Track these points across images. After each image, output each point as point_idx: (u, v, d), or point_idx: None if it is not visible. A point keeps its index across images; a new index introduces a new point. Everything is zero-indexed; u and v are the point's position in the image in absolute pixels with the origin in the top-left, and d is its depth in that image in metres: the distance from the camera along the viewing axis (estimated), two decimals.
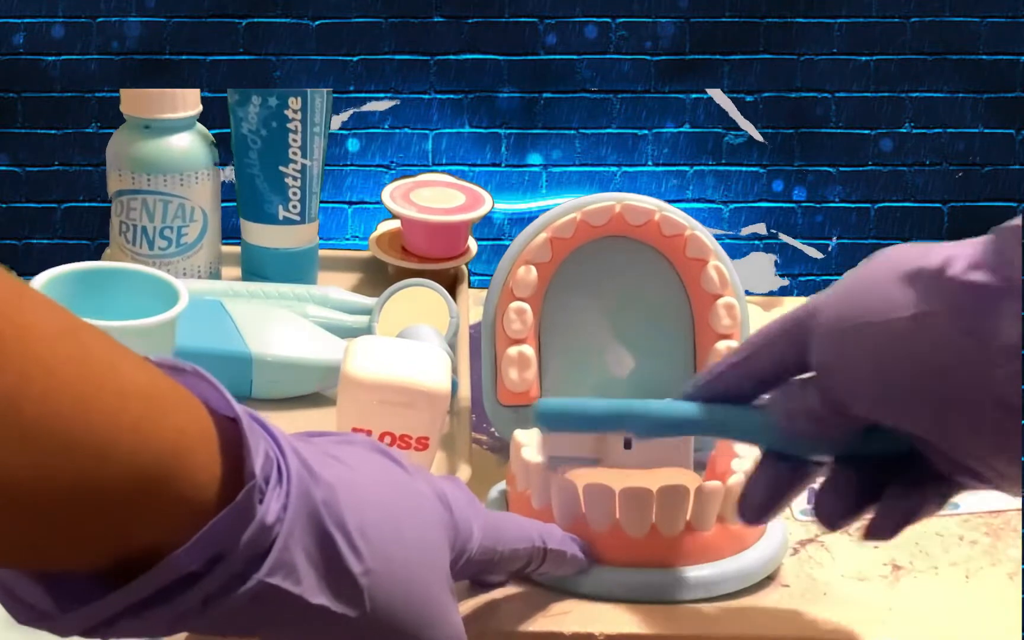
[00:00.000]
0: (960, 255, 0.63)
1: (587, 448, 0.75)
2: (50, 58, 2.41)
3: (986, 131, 2.50)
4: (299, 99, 1.06)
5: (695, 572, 0.77)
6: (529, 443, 0.80)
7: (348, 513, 0.58)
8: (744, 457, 0.78)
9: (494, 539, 0.68)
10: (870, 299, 0.65)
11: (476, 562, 0.67)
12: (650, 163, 2.51)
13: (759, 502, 0.72)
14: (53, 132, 2.44)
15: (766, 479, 0.71)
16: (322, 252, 1.12)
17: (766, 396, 0.71)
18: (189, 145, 1.06)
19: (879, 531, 0.70)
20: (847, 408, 0.66)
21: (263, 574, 0.55)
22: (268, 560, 0.55)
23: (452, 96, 2.47)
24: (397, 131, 2.48)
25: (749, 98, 2.50)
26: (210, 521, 0.53)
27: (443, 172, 1.20)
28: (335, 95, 2.29)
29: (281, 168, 1.07)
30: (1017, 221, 0.61)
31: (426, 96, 2.46)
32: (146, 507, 0.52)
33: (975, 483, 0.67)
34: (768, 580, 0.79)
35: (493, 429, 0.91)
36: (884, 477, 0.69)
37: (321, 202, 1.10)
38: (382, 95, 2.46)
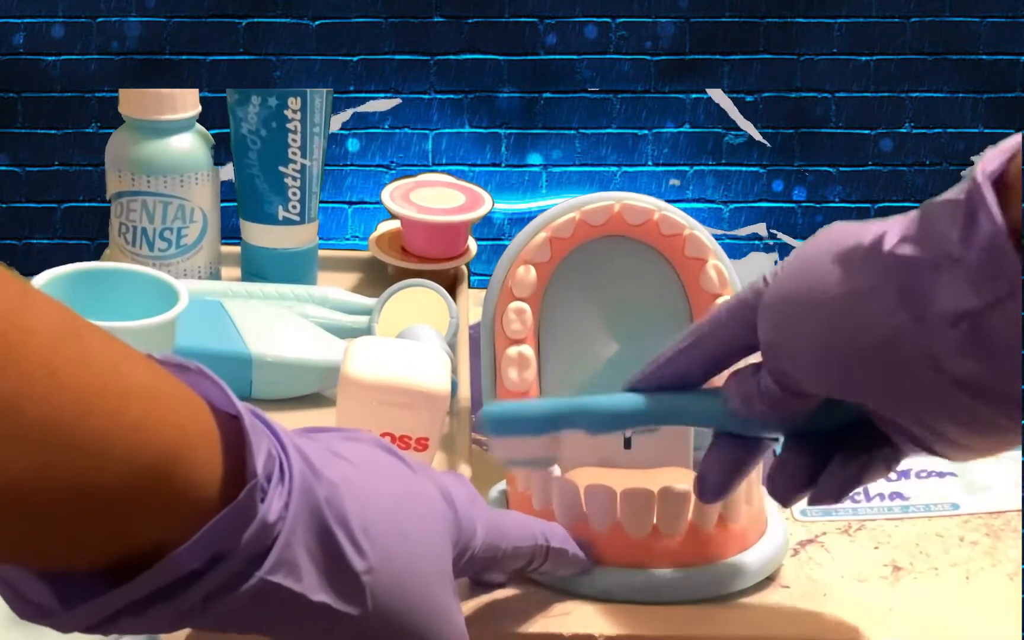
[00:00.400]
0: (891, 230, 0.63)
1: (541, 449, 0.75)
2: (50, 58, 2.41)
3: (986, 131, 2.50)
4: (299, 99, 1.06)
5: (695, 573, 0.77)
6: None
7: (351, 511, 0.58)
8: None
9: (497, 536, 0.68)
10: (807, 278, 0.66)
11: (479, 560, 0.67)
12: (650, 163, 2.51)
13: (716, 482, 0.73)
14: (53, 132, 2.44)
15: (722, 459, 0.73)
16: (322, 252, 1.12)
17: (717, 379, 0.73)
18: (188, 146, 1.06)
19: (823, 496, 0.71)
20: (796, 386, 0.67)
21: (264, 572, 0.55)
22: (269, 558, 0.55)
23: (452, 96, 2.47)
24: (397, 131, 2.47)
25: (749, 98, 2.50)
26: (212, 520, 0.53)
27: (443, 172, 1.20)
28: (335, 95, 2.29)
29: (281, 168, 1.07)
30: (945, 195, 0.62)
31: (426, 96, 2.46)
32: (148, 506, 0.52)
33: (924, 451, 0.68)
34: (768, 580, 0.79)
35: (490, 448, 0.91)
36: (834, 447, 0.70)
37: (321, 202, 1.10)
38: (382, 95, 2.46)
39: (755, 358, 0.71)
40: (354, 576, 0.58)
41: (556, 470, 0.79)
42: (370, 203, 2.47)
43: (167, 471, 0.52)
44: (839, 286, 0.64)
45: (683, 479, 0.78)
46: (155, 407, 0.52)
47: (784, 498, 0.72)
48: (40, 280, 0.88)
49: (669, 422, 0.75)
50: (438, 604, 0.62)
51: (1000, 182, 0.60)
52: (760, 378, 0.69)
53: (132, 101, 1.06)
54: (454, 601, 0.63)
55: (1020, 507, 0.86)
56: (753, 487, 0.79)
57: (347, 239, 2.47)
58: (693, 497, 0.76)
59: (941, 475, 0.89)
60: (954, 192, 0.61)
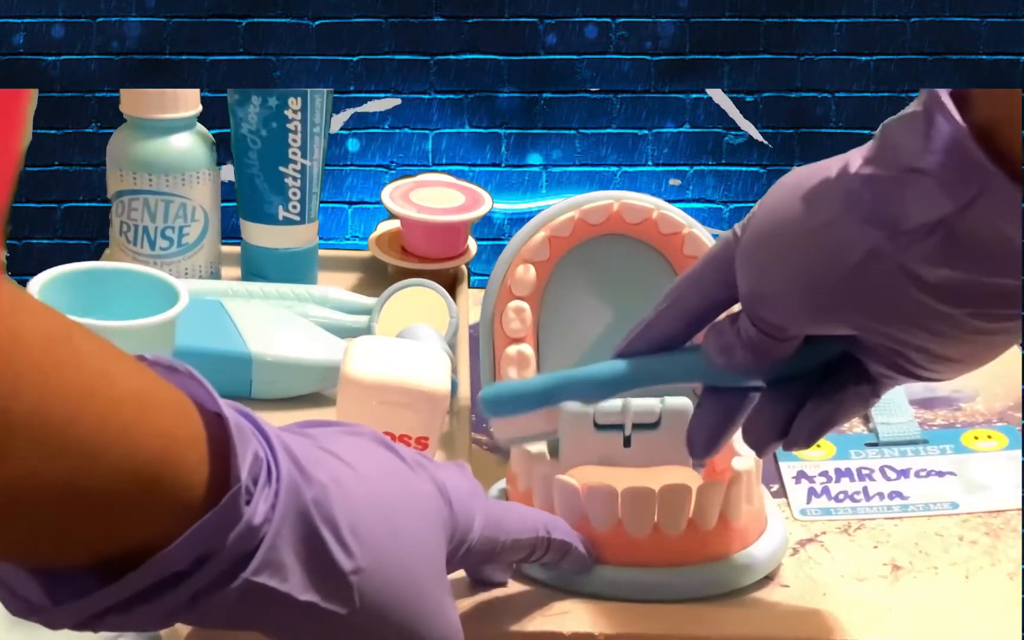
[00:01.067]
0: (854, 158, 0.64)
1: (539, 425, 0.77)
2: (50, 58, 2.41)
3: None
4: (299, 99, 1.06)
5: (696, 572, 0.77)
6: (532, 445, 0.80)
7: (339, 512, 0.58)
8: (744, 456, 0.78)
9: (495, 530, 0.69)
10: (779, 220, 0.67)
11: (477, 552, 0.67)
12: (650, 163, 2.51)
13: (705, 438, 0.74)
14: (53, 132, 2.44)
15: (709, 415, 0.73)
16: (322, 252, 1.12)
17: (698, 337, 0.73)
18: (189, 145, 1.06)
19: (796, 440, 0.72)
20: (778, 327, 0.68)
21: (249, 573, 0.55)
22: (255, 560, 0.55)
23: (452, 96, 2.47)
24: (397, 131, 2.47)
25: (749, 98, 2.50)
26: (197, 522, 0.53)
27: (443, 172, 1.20)
28: (335, 95, 2.29)
29: (281, 168, 1.07)
30: (903, 112, 0.62)
31: (426, 96, 2.46)
32: (136, 508, 0.52)
33: (904, 376, 0.68)
34: (768, 580, 0.79)
35: (493, 429, 0.91)
36: (809, 392, 0.71)
37: (321, 202, 1.10)
38: (382, 95, 2.46)
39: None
40: (342, 576, 0.58)
41: (557, 472, 0.79)
42: (370, 203, 2.47)
43: (156, 475, 0.52)
44: (811, 220, 0.65)
45: (684, 478, 0.78)
46: (144, 412, 0.52)
47: (760, 446, 0.73)
48: (40, 280, 0.88)
49: (655, 383, 0.76)
50: (431, 601, 0.62)
51: (957, 95, 0.61)
52: (739, 326, 0.69)
53: (133, 100, 1.06)
54: (448, 598, 0.63)
55: (1020, 506, 0.86)
56: (753, 486, 0.79)
57: (347, 239, 2.47)
58: (694, 496, 0.76)
59: (940, 474, 0.89)
60: (911, 107, 0.62)
